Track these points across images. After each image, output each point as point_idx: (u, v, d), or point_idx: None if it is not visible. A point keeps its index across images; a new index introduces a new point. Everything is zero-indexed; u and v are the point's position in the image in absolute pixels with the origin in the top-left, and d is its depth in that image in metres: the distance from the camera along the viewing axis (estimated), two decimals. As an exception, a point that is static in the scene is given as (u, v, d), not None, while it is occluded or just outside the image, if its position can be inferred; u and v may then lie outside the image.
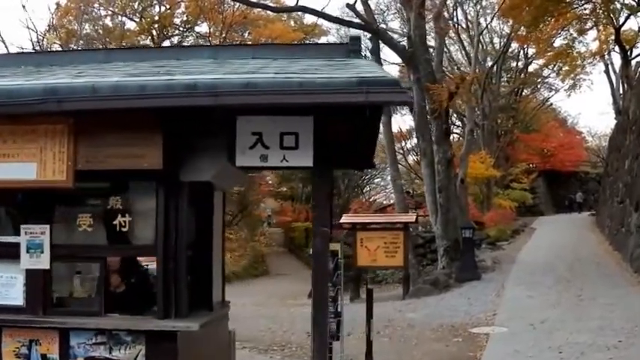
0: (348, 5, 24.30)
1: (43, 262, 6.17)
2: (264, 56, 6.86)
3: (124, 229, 6.17)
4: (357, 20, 24.61)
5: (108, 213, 6.16)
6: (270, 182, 70.24)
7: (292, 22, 56.22)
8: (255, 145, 5.75)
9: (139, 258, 7.00)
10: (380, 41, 26.84)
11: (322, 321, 5.85)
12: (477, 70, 44.48)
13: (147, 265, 6.92)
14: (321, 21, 56.85)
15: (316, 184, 6.05)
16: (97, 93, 5.18)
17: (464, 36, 43.81)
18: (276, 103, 5.22)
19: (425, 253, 27.28)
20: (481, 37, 47.33)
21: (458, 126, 50.64)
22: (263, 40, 52.02)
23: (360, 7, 25.22)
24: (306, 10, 24.03)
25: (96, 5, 46.18)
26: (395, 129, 48.41)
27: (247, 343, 12.78)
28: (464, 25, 42.81)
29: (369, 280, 27.66)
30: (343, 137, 6.19)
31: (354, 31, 27.59)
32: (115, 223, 6.12)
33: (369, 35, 27.76)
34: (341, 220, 22.55)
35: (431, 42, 29.21)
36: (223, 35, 53.34)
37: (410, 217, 22.88)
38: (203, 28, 52.44)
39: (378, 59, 29.21)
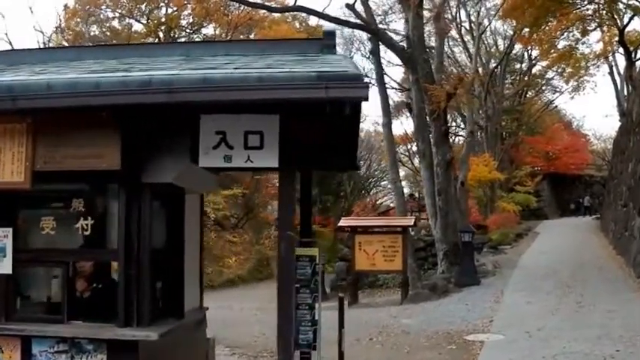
0: (347, 5, 24.10)
1: (5, 266, 5.97)
2: (236, 52, 6.64)
3: (87, 233, 5.98)
4: (355, 20, 24.39)
5: (71, 216, 5.97)
6: (277, 184, 70.17)
7: (297, 24, 56.24)
8: (219, 144, 5.51)
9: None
10: (380, 42, 26.53)
11: (287, 330, 5.62)
12: (481, 72, 44.46)
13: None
14: (326, 22, 56.86)
15: (281, 186, 5.77)
16: (51, 90, 4.96)
17: (467, 37, 43.54)
18: (234, 100, 4.99)
19: (426, 256, 26.93)
20: (485, 39, 47.33)
21: (462, 128, 50.43)
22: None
23: (360, 7, 25.01)
24: (303, 9, 23.82)
25: (103, 7, 46.42)
26: (401, 131, 48.51)
27: (237, 349, 12.59)
28: (467, 27, 42.47)
29: (370, 283, 27.41)
30: (313, 137, 5.95)
31: (358, 32, 27.20)
32: (77, 226, 5.92)
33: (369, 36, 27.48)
34: (339, 224, 22.32)
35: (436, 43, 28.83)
36: (229, 37, 53.43)
37: (409, 220, 22.58)
38: (209, 29, 52.56)
39: (377, 60, 29.00)
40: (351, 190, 55.13)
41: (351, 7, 24.21)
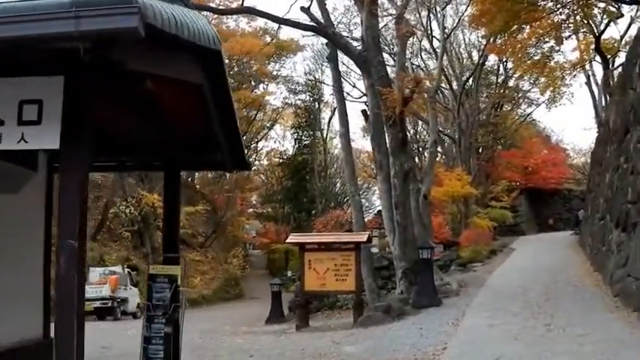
0: (302, 8, 23.29)
1: None
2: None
3: None
4: (308, 23, 23.16)
5: None
6: (254, 202, 69.16)
7: (268, 38, 55.55)
8: (-15, 119, 3.78)
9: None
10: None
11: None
12: (455, 85, 43.45)
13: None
14: (297, 36, 56.15)
15: (63, 178, 3.99)
16: None
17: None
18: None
19: (390, 275, 25.42)
20: (459, 53, 46.61)
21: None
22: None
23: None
24: (251, 11, 22.81)
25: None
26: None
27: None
28: (439, 38, 41.46)
29: (330, 304, 26.14)
30: (139, 115, 4.24)
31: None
32: None
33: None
34: (287, 240, 20.76)
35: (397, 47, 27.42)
36: None
37: (361, 236, 20.96)
38: None
39: (335, 67, 27.82)
40: (322, 207, 53.96)
41: (305, 10, 23.32)
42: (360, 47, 23.74)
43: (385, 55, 37.15)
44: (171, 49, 4.27)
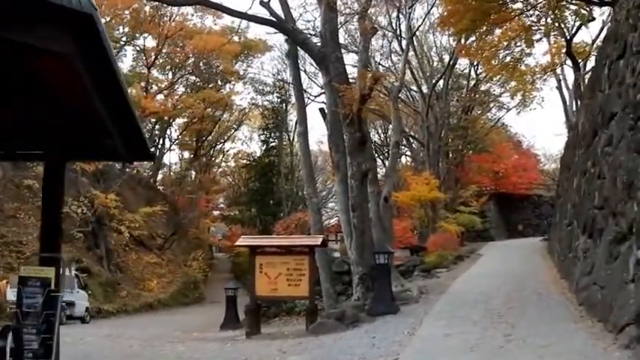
0: (261, 3, 22.46)
1: None
2: None
3: None
4: (267, 17, 22.37)
5: None
6: (221, 204, 68.28)
7: (237, 38, 55.00)
8: None
9: None
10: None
11: None
12: (425, 89, 43.10)
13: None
14: (265, 36, 55.44)
15: None
16: None
17: (411, 53, 42.05)
18: None
19: (351, 280, 24.54)
20: (430, 55, 46.31)
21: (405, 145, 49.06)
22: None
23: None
24: (204, 3, 22.26)
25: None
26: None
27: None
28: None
29: (288, 309, 25.38)
30: None
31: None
32: None
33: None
34: (236, 243, 19.89)
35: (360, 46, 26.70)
36: (165, 50, 51.88)
37: (315, 239, 20.10)
38: (141, 41, 52.05)
39: (295, 63, 27.13)
40: (289, 210, 53.14)
41: (265, 4, 22.53)
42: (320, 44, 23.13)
43: (353, 55, 36.72)
44: (11, 7, 3.25)
